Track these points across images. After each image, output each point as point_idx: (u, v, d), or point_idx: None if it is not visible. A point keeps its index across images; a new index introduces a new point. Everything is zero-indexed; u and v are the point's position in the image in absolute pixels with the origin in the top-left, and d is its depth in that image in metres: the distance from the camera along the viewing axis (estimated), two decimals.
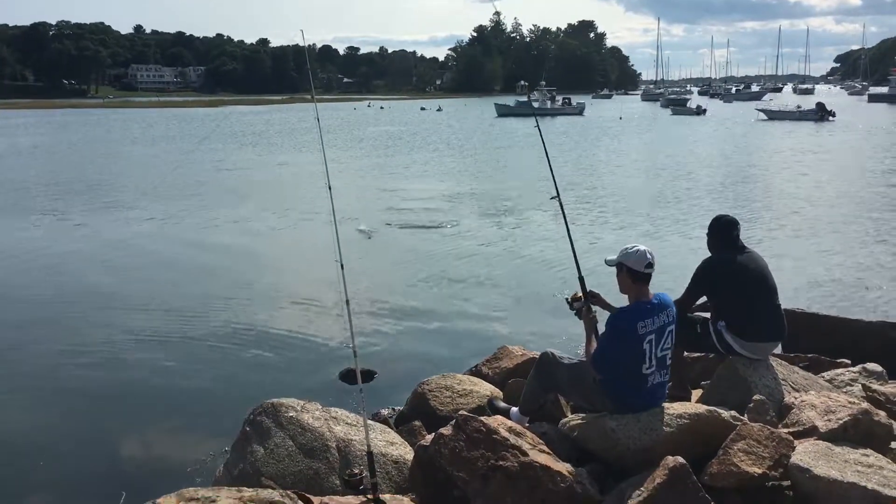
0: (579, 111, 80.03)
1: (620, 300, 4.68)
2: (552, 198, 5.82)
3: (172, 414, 6.84)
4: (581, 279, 5.19)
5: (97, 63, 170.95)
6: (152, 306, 10.28)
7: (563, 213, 5.84)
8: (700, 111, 74.48)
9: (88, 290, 11.42)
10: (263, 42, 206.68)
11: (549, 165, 6.25)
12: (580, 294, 4.99)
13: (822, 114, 58.84)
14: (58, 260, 13.54)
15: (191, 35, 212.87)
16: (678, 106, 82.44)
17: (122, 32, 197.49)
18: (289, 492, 3.85)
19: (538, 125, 6.69)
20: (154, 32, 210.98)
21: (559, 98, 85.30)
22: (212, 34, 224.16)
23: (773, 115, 63.31)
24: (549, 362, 4.84)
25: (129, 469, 5.78)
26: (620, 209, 18.27)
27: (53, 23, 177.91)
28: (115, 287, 11.54)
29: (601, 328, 4.68)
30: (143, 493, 4.22)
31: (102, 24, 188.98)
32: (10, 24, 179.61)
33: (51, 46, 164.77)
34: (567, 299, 5.05)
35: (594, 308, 4.91)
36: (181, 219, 17.73)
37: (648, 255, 4.47)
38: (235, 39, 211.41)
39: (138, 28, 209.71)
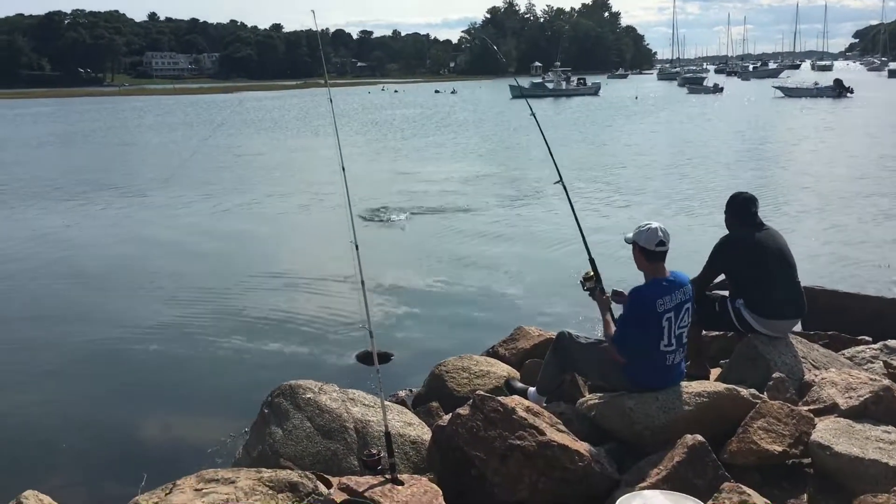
0: (595, 91, 79.50)
1: (637, 276, 4.65)
2: (556, 182, 5.95)
3: (192, 397, 6.90)
4: (591, 260, 5.19)
5: (112, 51, 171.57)
6: (170, 290, 10.35)
7: (568, 196, 5.98)
8: (717, 89, 73.67)
9: (104, 275, 11.51)
10: (276, 27, 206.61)
11: (549, 151, 6.35)
12: (591, 273, 5.00)
13: (839, 90, 57.98)
14: (80, 244, 13.67)
15: (205, 21, 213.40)
16: (695, 84, 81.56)
17: (137, 20, 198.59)
18: (307, 472, 3.87)
19: (533, 113, 6.73)
20: (168, 20, 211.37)
21: (574, 78, 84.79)
22: (225, 20, 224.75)
23: (790, 93, 62.47)
24: (566, 342, 4.83)
25: (149, 451, 5.83)
26: (637, 188, 18.15)
27: (68, 11, 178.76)
28: (133, 272, 11.62)
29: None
30: (163, 475, 4.25)
31: (117, 11, 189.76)
32: (26, 14, 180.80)
33: (66, 35, 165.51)
34: (580, 280, 5.04)
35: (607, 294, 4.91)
36: (199, 204, 17.81)
37: (660, 233, 4.42)
38: (249, 25, 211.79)
39: (152, 15, 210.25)
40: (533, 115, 6.65)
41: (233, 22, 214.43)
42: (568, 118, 46.69)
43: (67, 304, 10.02)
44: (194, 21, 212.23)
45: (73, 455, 5.88)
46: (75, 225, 15.74)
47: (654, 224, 4.51)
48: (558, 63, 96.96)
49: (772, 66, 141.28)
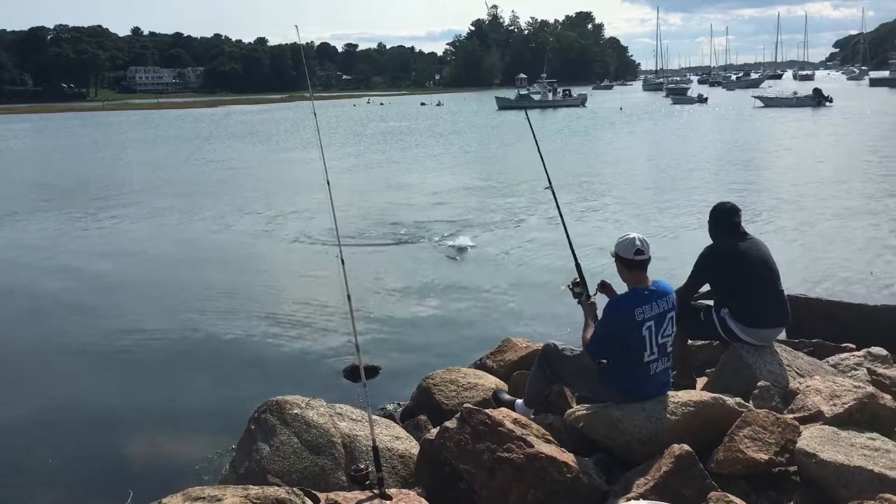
0: (581, 102, 79.80)
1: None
2: (545, 188, 6.01)
3: (178, 413, 6.85)
4: (577, 265, 5.23)
5: (95, 66, 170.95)
6: (155, 306, 10.29)
7: (557, 202, 6.03)
8: (702, 100, 74.28)
9: (91, 289, 11.44)
10: (261, 41, 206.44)
11: (541, 157, 6.45)
12: (578, 280, 5.04)
13: (819, 99, 58.63)
14: (66, 259, 13.59)
15: (189, 36, 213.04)
16: (679, 95, 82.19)
17: (120, 35, 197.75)
18: (295, 489, 3.85)
19: (528, 118, 6.81)
20: (152, 34, 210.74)
21: (560, 90, 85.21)
22: (209, 34, 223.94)
23: (770, 102, 63.10)
24: (552, 354, 4.83)
25: (135, 469, 5.79)
26: (625, 199, 18.25)
27: (51, 27, 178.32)
28: (116, 287, 11.56)
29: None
30: (149, 493, 4.22)
31: (100, 26, 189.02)
32: (9, 30, 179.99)
33: (49, 50, 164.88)
34: (569, 286, 5.07)
35: (594, 296, 4.94)
36: (186, 219, 17.75)
37: (637, 242, 4.46)
38: (233, 39, 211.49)
39: (136, 30, 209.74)
40: (527, 119, 6.79)
41: (217, 36, 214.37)
42: (555, 129, 46.88)
43: (50, 320, 9.94)
44: (178, 35, 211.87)
45: (59, 472, 5.83)
46: (62, 240, 15.63)
47: (633, 234, 4.56)
48: (544, 75, 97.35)
49: (754, 76, 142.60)
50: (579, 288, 5.01)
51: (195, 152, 36.50)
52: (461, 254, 12.91)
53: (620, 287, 4.71)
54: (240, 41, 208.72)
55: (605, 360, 4.55)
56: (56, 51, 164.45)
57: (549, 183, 6.03)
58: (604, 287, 4.88)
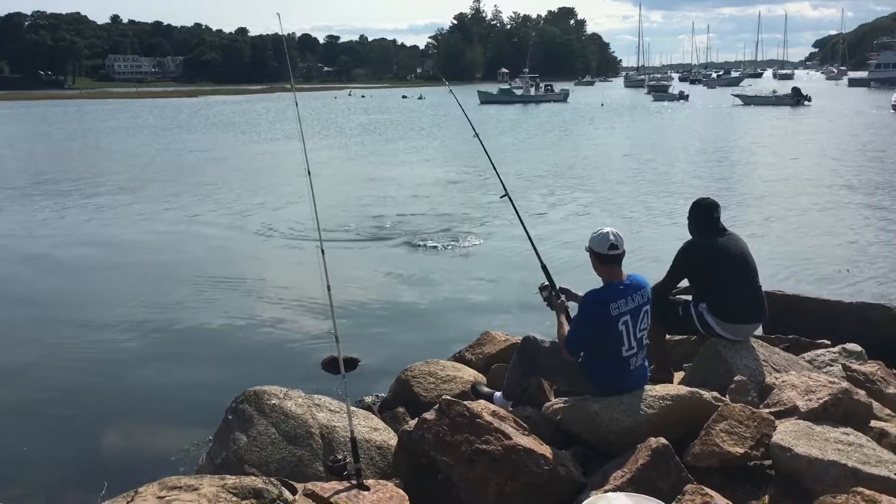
0: (563, 97, 79.98)
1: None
2: (501, 197, 6.05)
3: (155, 403, 6.79)
4: (544, 267, 5.24)
5: (74, 54, 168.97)
6: (132, 297, 10.18)
7: (516, 209, 6.09)
8: (682, 97, 74.73)
9: (68, 281, 11.31)
10: (242, 31, 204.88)
11: (495, 169, 6.71)
12: (546, 283, 5.07)
13: (797, 98, 59.28)
14: (36, 250, 13.41)
15: (169, 25, 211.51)
16: (660, 92, 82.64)
17: (99, 22, 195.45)
18: (272, 479, 3.83)
19: (476, 133, 6.88)
20: (131, 22, 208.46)
21: (542, 85, 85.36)
22: (190, 23, 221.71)
23: (749, 101, 63.67)
24: (532, 347, 4.84)
25: (111, 459, 5.74)
26: (602, 193, 18.29)
27: (29, 13, 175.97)
28: (94, 277, 11.44)
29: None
30: (125, 483, 4.18)
31: (78, 14, 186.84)
32: None
33: (26, 37, 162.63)
34: (538, 291, 5.11)
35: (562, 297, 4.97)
36: (161, 208, 17.59)
37: (611, 237, 4.47)
38: (214, 29, 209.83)
39: (115, 18, 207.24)
40: (477, 135, 6.81)
41: (197, 25, 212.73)
42: (537, 124, 46.96)
43: (27, 309, 9.82)
44: (158, 24, 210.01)
45: (34, 463, 5.76)
46: (35, 231, 15.43)
47: (606, 228, 4.56)
48: (526, 70, 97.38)
49: (734, 74, 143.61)
50: (547, 291, 5.04)
51: (173, 141, 36.17)
52: (441, 247, 12.90)
53: (587, 285, 4.73)
54: (220, 31, 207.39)
55: (583, 355, 4.56)
56: (33, 38, 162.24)
57: (506, 191, 6.06)
58: (565, 292, 4.94)
